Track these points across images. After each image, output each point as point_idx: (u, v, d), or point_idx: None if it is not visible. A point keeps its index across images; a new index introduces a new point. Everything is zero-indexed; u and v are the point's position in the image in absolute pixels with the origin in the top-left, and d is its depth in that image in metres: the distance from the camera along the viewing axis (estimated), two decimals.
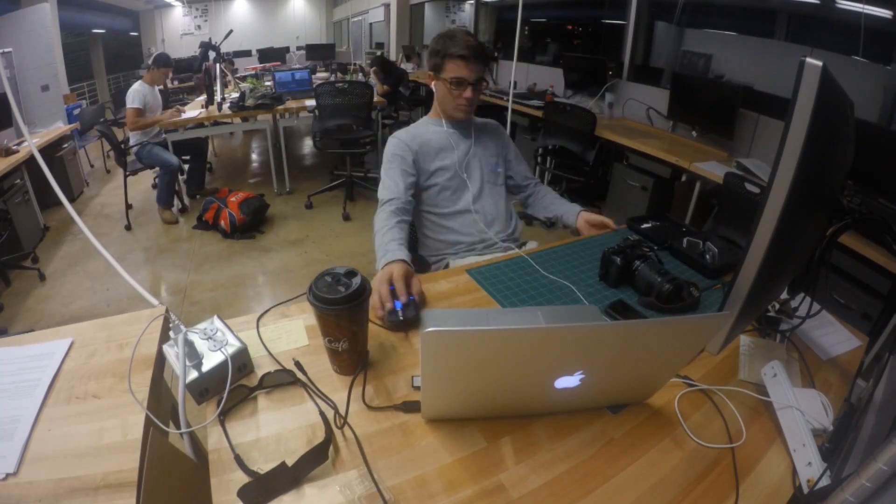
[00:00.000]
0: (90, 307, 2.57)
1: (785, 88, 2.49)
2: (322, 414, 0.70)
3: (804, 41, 2.89)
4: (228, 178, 4.72)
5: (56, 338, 0.85)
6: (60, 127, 3.96)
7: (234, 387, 0.72)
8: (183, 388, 0.70)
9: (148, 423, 0.69)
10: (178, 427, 0.73)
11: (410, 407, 0.72)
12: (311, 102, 3.79)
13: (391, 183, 1.32)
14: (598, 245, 1.25)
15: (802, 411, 0.69)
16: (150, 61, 3.68)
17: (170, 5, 11.29)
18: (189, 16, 11.70)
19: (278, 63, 7.42)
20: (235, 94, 3.99)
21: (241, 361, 0.76)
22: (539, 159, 3.79)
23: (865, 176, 1.90)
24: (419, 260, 1.46)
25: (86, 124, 4.45)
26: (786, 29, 2.95)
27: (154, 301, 0.92)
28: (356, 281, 0.72)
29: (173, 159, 3.52)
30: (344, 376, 0.78)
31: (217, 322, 0.81)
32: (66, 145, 3.96)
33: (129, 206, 3.68)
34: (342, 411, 0.70)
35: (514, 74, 3.49)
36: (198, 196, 3.89)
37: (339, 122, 3.68)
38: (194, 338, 0.76)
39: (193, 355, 0.73)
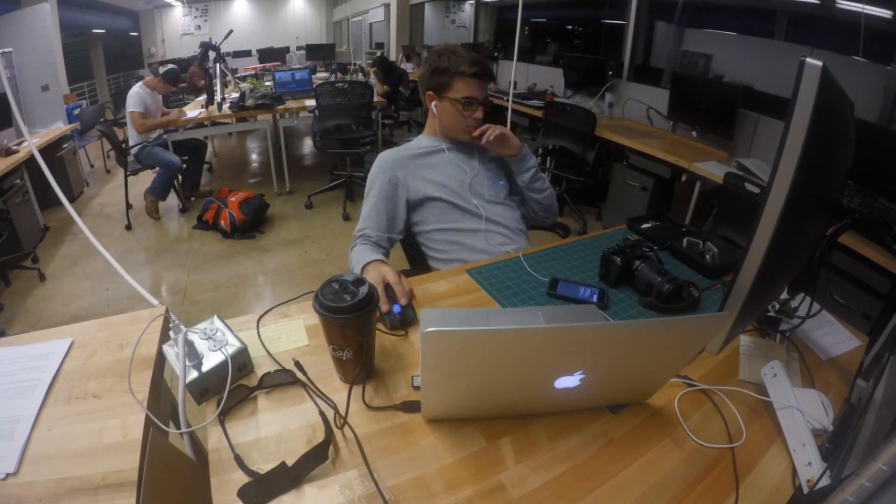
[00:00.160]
0: (90, 307, 2.57)
1: (785, 88, 2.50)
2: (322, 414, 0.70)
3: (804, 41, 2.89)
4: (228, 178, 4.72)
5: (56, 338, 0.85)
6: (60, 127, 3.96)
7: (234, 387, 0.72)
8: (183, 388, 0.70)
9: (148, 423, 0.69)
10: (178, 427, 0.73)
11: (410, 407, 0.72)
12: (311, 102, 3.79)
13: (369, 215, 1.24)
14: (598, 245, 1.25)
15: (802, 411, 0.69)
16: (160, 71, 3.65)
17: (170, 5, 11.29)
18: (189, 16, 11.70)
19: (278, 63, 7.42)
20: (235, 95, 3.99)
21: (241, 361, 0.76)
22: (539, 159, 3.79)
23: (865, 176, 1.90)
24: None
25: (86, 124, 4.45)
26: (786, 29, 2.95)
27: (154, 301, 0.92)
28: (363, 290, 0.71)
29: (175, 159, 3.52)
30: (357, 385, 0.77)
31: (217, 322, 0.81)
32: (66, 145, 3.96)
33: (129, 206, 3.67)
34: (342, 411, 0.70)
35: (513, 74, 3.48)
36: (192, 198, 3.88)
37: (339, 122, 3.68)
38: (194, 338, 0.76)
39: (193, 355, 0.73)
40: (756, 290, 0.63)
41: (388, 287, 0.98)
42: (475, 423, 0.71)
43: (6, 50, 3.64)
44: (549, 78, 4.52)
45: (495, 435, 0.70)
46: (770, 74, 2.92)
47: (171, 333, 0.78)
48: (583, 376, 0.64)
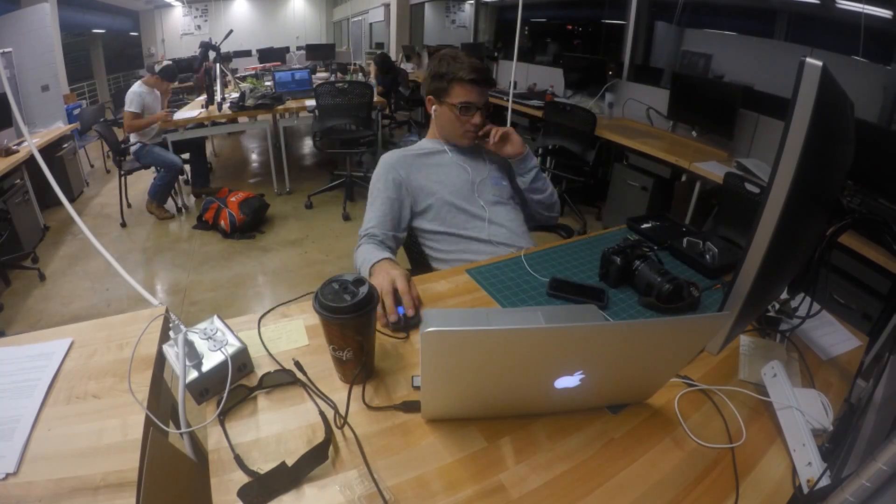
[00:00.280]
0: (90, 307, 2.57)
1: (785, 88, 2.50)
2: (322, 414, 0.70)
3: (804, 41, 2.89)
4: (228, 178, 4.72)
5: (56, 338, 0.85)
6: (60, 127, 3.96)
7: (234, 387, 0.72)
8: (183, 388, 0.70)
9: (148, 423, 0.69)
10: (178, 427, 0.73)
11: (410, 407, 0.72)
12: (311, 102, 3.79)
13: (374, 215, 1.23)
14: (598, 245, 1.25)
15: (802, 411, 0.69)
16: (156, 69, 3.67)
17: (170, 5, 11.30)
18: (189, 16, 11.70)
19: (278, 63, 7.42)
20: (235, 95, 3.99)
21: (241, 361, 0.76)
22: (539, 159, 3.79)
23: (865, 176, 1.90)
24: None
25: (86, 124, 4.45)
26: (786, 29, 2.96)
27: (154, 301, 0.92)
28: (363, 290, 0.71)
29: (176, 159, 3.53)
30: (357, 385, 0.77)
31: (217, 322, 0.81)
32: (66, 145, 3.96)
33: (128, 205, 3.69)
34: (342, 411, 0.70)
35: (513, 74, 3.48)
36: (203, 195, 3.89)
37: (339, 122, 3.68)
38: (194, 338, 0.76)
39: (193, 355, 0.73)
40: (756, 290, 0.63)
41: (396, 292, 0.96)
42: (475, 423, 0.71)
43: (6, 50, 3.64)
44: (549, 78, 4.52)
45: (495, 435, 0.70)
46: (770, 74, 2.92)
47: (171, 333, 0.78)
48: (583, 376, 0.64)
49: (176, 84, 4.09)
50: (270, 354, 0.81)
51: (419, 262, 1.39)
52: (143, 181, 4.00)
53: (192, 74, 6.12)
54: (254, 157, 5.61)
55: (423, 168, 1.32)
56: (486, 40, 6.62)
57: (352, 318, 0.69)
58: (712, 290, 1.07)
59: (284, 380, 0.76)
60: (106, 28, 9.61)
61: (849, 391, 0.77)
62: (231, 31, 4.67)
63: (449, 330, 0.53)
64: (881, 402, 0.61)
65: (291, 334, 0.87)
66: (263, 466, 0.62)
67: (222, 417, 0.69)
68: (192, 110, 3.96)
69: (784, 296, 0.94)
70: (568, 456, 0.67)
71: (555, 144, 3.52)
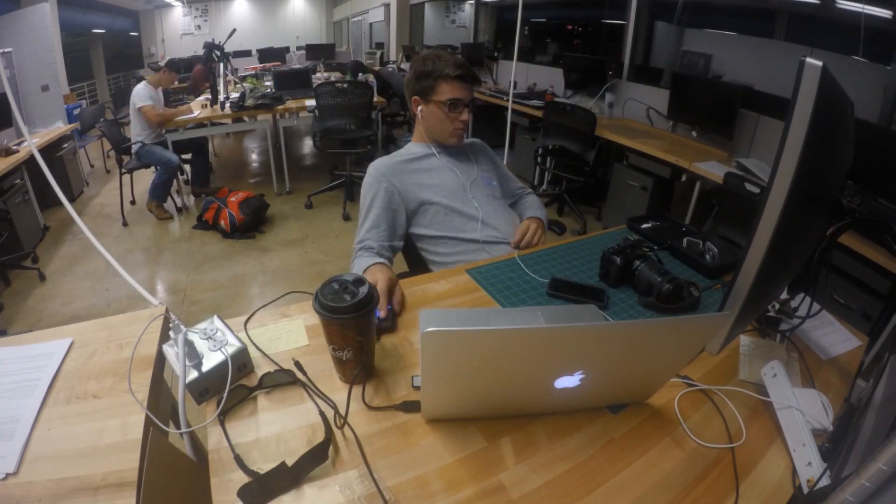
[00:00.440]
0: (90, 307, 2.57)
1: (785, 88, 2.50)
2: (322, 414, 0.70)
3: (804, 41, 2.89)
4: (228, 178, 4.72)
5: (56, 338, 0.85)
6: (60, 127, 3.96)
7: (233, 387, 0.72)
8: (183, 388, 0.70)
9: (148, 423, 0.69)
10: (178, 427, 0.73)
11: (410, 407, 0.72)
12: (311, 102, 3.79)
13: (369, 226, 1.21)
14: (597, 245, 1.25)
15: (802, 411, 0.69)
16: (161, 63, 3.71)
17: (170, 5, 11.30)
18: (189, 16, 11.72)
19: (278, 63, 7.41)
20: (236, 95, 4.00)
21: (241, 361, 0.76)
22: (539, 159, 3.79)
23: (865, 176, 1.90)
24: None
25: (86, 124, 4.45)
26: (786, 29, 2.95)
27: (154, 301, 0.92)
28: (363, 290, 0.71)
29: (174, 157, 3.54)
30: (357, 384, 0.77)
31: (217, 322, 0.81)
32: (66, 145, 3.97)
33: (132, 202, 3.73)
34: (342, 411, 0.70)
35: (513, 74, 3.49)
36: (203, 195, 3.90)
37: (339, 122, 3.68)
38: (194, 338, 0.76)
39: (193, 355, 0.73)
40: (756, 290, 0.63)
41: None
42: (475, 423, 0.71)
43: (6, 50, 3.64)
44: (549, 78, 4.53)
45: (495, 435, 0.70)
46: (770, 74, 2.92)
47: (171, 333, 0.78)
48: (583, 376, 0.64)
49: (175, 84, 4.08)
50: (266, 355, 0.81)
51: (417, 266, 1.39)
52: (145, 180, 4.00)
53: (188, 75, 6.12)
54: (254, 157, 5.61)
55: (414, 174, 1.31)
56: (486, 40, 6.62)
57: (352, 318, 0.69)
58: (712, 290, 1.07)
59: (284, 380, 0.76)
60: (106, 28, 9.61)
61: (849, 391, 0.77)
62: (234, 31, 4.67)
63: (449, 330, 0.53)
64: (881, 402, 0.61)
65: (291, 334, 0.87)
66: (263, 466, 0.62)
67: (222, 417, 0.69)
68: (192, 110, 3.96)
69: (784, 296, 0.94)
70: (568, 456, 0.67)
71: (555, 144, 3.52)
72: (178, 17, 11.67)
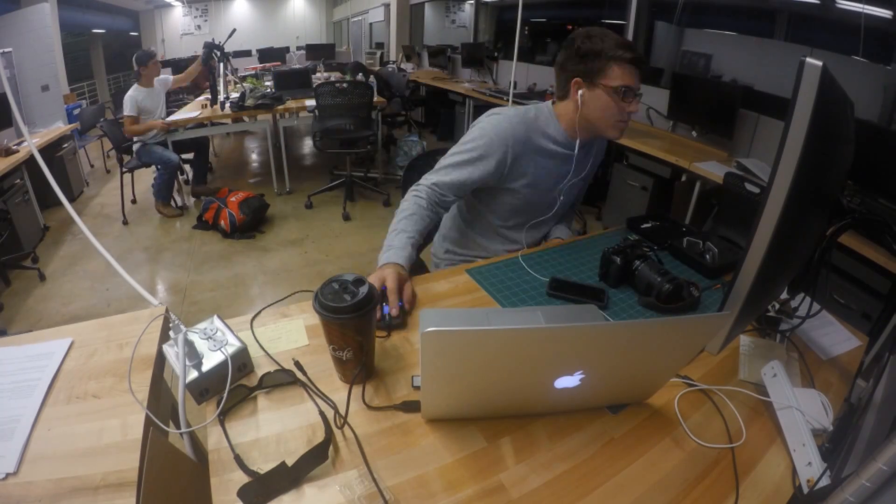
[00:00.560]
0: (90, 307, 2.57)
1: (785, 88, 2.50)
2: (322, 414, 0.70)
3: (804, 41, 2.89)
4: (228, 178, 4.72)
5: (56, 338, 0.85)
6: (60, 127, 3.96)
7: (233, 387, 0.72)
8: (183, 387, 0.70)
9: (148, 423, 0.69)
10: (178, 427, 0.73)
11: (410, 407, 0.72)
12: (311, 102, 3.79)
13: (456, 174, 1.14)
14: (598, 245, 1.25)
15: (802, 411, 0.69)
16: (133, 63, 3.51)
17: (170, 5, 11.30)
18: (189, 16, 11.71)
19: (278, 63, 7.41)
20: (236, 95, 4.00)
21: (241, 361, 0.76)
22: None
23: (865, 176, 1.90)
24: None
25: (86, 124, 4.45)
26: (786, 29, 2.95)
27: (154, 301, 0.92)
28: (363, 290, 0.71)
29: (173, 157, 3.55)
30: (357, 385, 0.77)
31: (217, 322, 0.81)
32: (66, 145, 3.97)
33: (133, 201, 3.77)
34: (342, 411, 0.70)
35: (514, 74, 3.49)
36: (201, 196, 3.90)
37: (339, 122, 3.68)
38: (194, 338, 0.76)
39: (193, 355, 0.73)
40: (756, 290, 0.63)
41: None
42: (475, 423, 0.71)
43: (6, 50, 3.64)
44: (549, 78, 4.47)
45: (495, 435, 0.70)
46: (770, 74, 2.92)
47: (171, 333, 0.78)
48: (583, 376, 0.64)
49: (160, 74, 3.99)
50: (269, 355, 0.81)
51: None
52: (145, 180, 4.00)
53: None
54: (254, 157, 5.61)
55: (538, 158, 1.19)
56: (486, 40, 6.62)
57: (351, 318, 0.69)
58: (712, 290, 1.07)
59: (284, 380, 0.76)
60: (106, 28, 9.61)
61: (849, 391, 0.77)
62: (234, 31, 4.67)
63: (449, 330, 0.53)
64: (881, 402, 0.61)
65: (291, 334, 0.87)
66: (263, 466, 0.62)
67: (222, 417, 0.69)
68: (192, 110, 3.96)
69: (784, 296, 0.94)
70: (568, 456, 0.67)
71: None
72: (178, 17, 11.67)
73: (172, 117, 3.67)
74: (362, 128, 3.77)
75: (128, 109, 3.45)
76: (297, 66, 6.28)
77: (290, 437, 0.68)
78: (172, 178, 3.65)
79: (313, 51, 7.97)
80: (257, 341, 0.84)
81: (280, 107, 3.93)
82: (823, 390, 0.76)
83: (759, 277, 0.61)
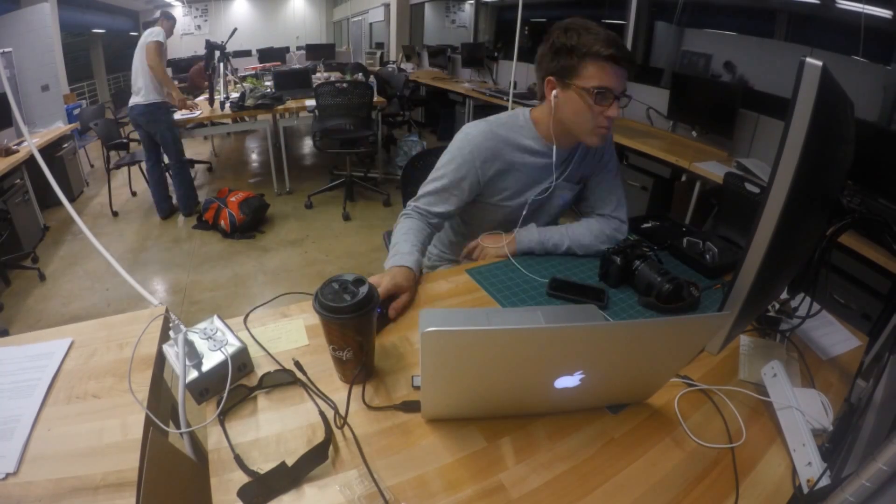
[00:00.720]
0: (90, 307, 2.57)
1: (785, 88, 2.49)
2: (322, 414, 0.70)
3: (804, 41, 2.89)
4: (228, 177, 4.72)
5: (56, 338, 0.85)
6: (60, 127, 3.96)
7: (233, 386, 0.72)
8: (183, 387, 0.70)
9: (148, 423, 0.69)
10: (178, 427, 0.73)
11: (410, 407, 0.72)
12: (311, 102, 3.79)
13: (438, 206, 1.11)
14: None
15: (802, 411, 0.69)
16: (157, 14, 3.47)
17: (170, 5, 11.29)
18: (189, 16, 11.70)
19: (278, 63, 7.42)
20: (236, 94, 4.00)
21: (241, 361, 0.76)
22: None
23: (865, 176, 1.90)
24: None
25: (86, 124, 4.45)
26: (786, 29, 2.95)
27: (154, 301, 0.92)
28: (363, 290, 0.71)
29: (179, 146, 3.44)
30: (357, 384, 0.77)
31: (217, 322, 0.81)
32: (66, 145, 3.97)
33: (133, 194, 3.89)
34: (342, 411, 0.70)
35: (514, 74, 3.49)
36: (195, 215, 3.65)
37: (339, 122, 3.68)
38: (194, 337, 0.76)
39: (193, 355, 0.73)
40: (756, 290, 0.63)
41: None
42: (475, 423, 0.71)
43: (6, 50, 3.64)
44: None
45: (495, 435, 0.70)
46: (770, 74, 2.92)
47: (171, 333, 0.78)
48: (583, 376, 0.64)
49: (174, 82, 4.01)
50: (270, 354, 0.81)
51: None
52: (143, 180, 3.99)
53: (186, 75, 6.13)
54: (254, 157, 5.61)
55: (515, 172, 1.14)
56: (486, 40, 6.61)
57: (351, 318, 0.69)
58: (712, 290, 1.07)
59: (284, 380, 0.76)
60: (106, 28, 9.59)
61: (849, 391, 0.77)
62: (235, 30, 4.67)
63: (449, 330, 0.53)
64: (881, 402, 0.61)
65: (291, 334, 0.87)
66: (263, 466, 0.62)
67: (222, 417, 0.69)
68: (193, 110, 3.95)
69: (784, 296, 0.94)
70: (568, 456, 0.67)
71: None
72: (178, 17, 11.65)
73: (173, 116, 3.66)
74: (362, 128, 3.77)
75: (158, 36, 3.21)
76: (297, 66, 6.29)
77: (290, 437, 0.68)
78: (188, 173, 3.55)
79: (313, 51, 7.98)
80: (257, 341, 0.84)
81: (280, 107, 3.93)
82: (823, 390, 0.76)
83: (759, 277, 0.61)
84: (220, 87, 4.05)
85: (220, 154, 5.58)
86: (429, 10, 8.22)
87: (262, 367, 0.79)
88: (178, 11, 11.58)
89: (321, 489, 0.61)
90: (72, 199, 3.74)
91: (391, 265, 1.02)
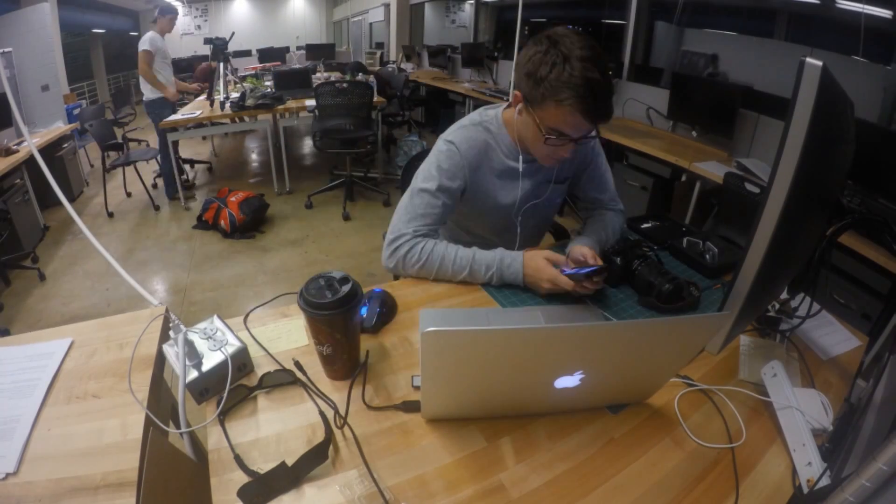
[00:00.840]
0: (90, 307, 2.57)
1: (785, 88, 2.49)
2: (322, 414, 0.70)
3: (804, 41, 2.89)
4: (228, 177, 4.72)
5: (56, 337, 0.85)
6: (60, 127, 3.96)
7: (233, 386, 0.72)
8: (183, 387, 0.70)
9: (148, 423, 0.69)
10: (178, 427, 0.73)
11: (410, 407, 0.72)
12: (311, 102, 3.79)
13: (429, 217, 1.06)
14: None
15: (802, 411, 0.69)
16: (156, 13, 3.88)
17: (170, 5, 11.29)
18: (189, 16, 11.69)
19: (278, 63, 7.42)
20: (236, 94, 4.00)
21: (241, 361, 0.76)
22: None
23: (865, 176, 1.90)
24: None
25: (86, 124, 4.45)
26: (786, 29, 2.95)
27: (154, 301, 0.92)
28: (346, 288, 0.71)
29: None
30: (337, 380, 0.77)
31: (217, 322, 0.81)
32: (66, 145, 3.96)
33: (128, 195, 3.90)
34: (342, 411, 0.70)
35: (513, 74, 3.48)
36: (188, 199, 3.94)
37: (339, 122, 3.68)
38: (194, 337, 0.76)
39: (193, 355, 0.73)
40: (756, 290, 0.63)
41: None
42: (475, 423, 0.71)
43: (6, 50, 3.64)
44: None
45: (495, 435, 0.70)
46: (770, 74, 2.92)
47: (171, 333, 0.78)
48: (583, 376, 0.64)
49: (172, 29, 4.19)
50: (270, 354, 0.81)
51: None
52: (145, 179, 3.99)
53: (190, 74, 6.13)
54: (254, 157, 5.61)
55: (494, 178, 1.12)
56: (486, 40, 6.61)
57: (330, 315, 0.69)
58: (712, 290, 1.07)
59: (284, 379, 0.76)
60: (106, 28, 9.60)
61: (849, 391, 0.77)
62: (234, 34, 4.68)
63: (449, 330, 0.53)
64: (881, 402, 0.61)
65: (291, 334, 0.87)
66: (263, 466, 0.62)
67: (222, 417, 0.69)
68: (193, 110, 3.96)
69: (784, 296, 0.94)
70: (568, 456, 0.67)
71: None
72: (178, 17, 11.66)
73: (173, 117, 3.67)
74: (362, 128, 3.77)
75: (146, 45, 3.63)
76: (297, 66, 6.28)
77: (290, 436, 0.68)
78: (169, 165, 3.73)
79: (313, 51, 7.97)
80: (256, 341, 0.84)
81: (280, 107, 3.93)
82: (823, 390, 0.76)
83: (759, 277, 0.61)
84: (220, 86, 4.04)
85: (220, 154, 5.58)
86: (429, 10, 8.22)
87: (262, 367, 0.79)
88: (178, 11, 11.59)
89: (321, 489, 0.61)
90: (72, 199, 3.74)
91: (509, 262, 1.01)
